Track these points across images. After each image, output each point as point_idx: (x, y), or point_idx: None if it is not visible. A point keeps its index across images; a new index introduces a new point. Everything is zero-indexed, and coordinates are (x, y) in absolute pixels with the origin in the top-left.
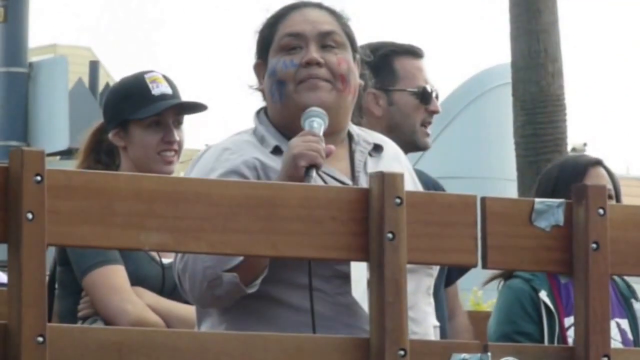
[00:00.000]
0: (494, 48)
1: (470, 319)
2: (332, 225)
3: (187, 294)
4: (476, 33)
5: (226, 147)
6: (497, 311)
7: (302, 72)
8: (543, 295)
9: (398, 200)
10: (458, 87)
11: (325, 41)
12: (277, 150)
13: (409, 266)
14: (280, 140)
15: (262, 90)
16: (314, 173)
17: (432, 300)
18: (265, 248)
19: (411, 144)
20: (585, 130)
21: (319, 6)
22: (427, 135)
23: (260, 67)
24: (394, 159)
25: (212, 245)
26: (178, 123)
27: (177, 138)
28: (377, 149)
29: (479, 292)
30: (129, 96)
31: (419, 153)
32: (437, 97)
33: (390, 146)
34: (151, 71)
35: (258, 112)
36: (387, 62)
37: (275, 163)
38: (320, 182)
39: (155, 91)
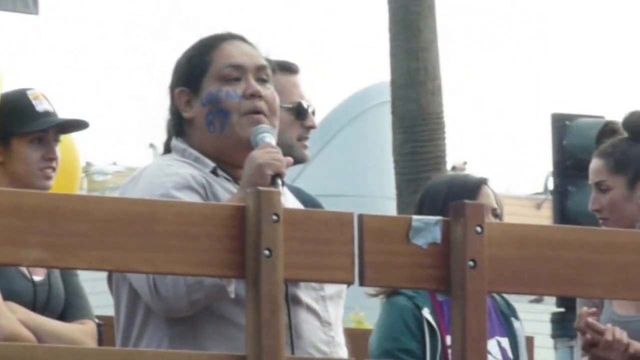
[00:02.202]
0: (375, 66)
1: (350, 336)
2: (207, 241)
3: (162, 300)
4: (357, 51)
5: (168, 164)
6: (380, 328)
7: (247, 104)
8: (426, 312)
9: (275, 217)
10: (338, 105)
11: (260, 74)
12: (214, 171)
13: (329, 293)
14: (215, 164)
15: (190, 118)
16: (279, 181)
17: None
18: (141, 264)
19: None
20: (465, 148)
21: (244, 39)
22: (305, 147)
23: (184, 94)
24: (290, 195)
25: (90, 261)
26: (57, 141)
27: (58, 155)
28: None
29: (361, 312)
30: (13, 111)
31: (298, 170)
32: (314, 112)
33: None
34: (31, 88)
35: (176, 137)
36: None
37: (217, 183)
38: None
39: (39, 108)
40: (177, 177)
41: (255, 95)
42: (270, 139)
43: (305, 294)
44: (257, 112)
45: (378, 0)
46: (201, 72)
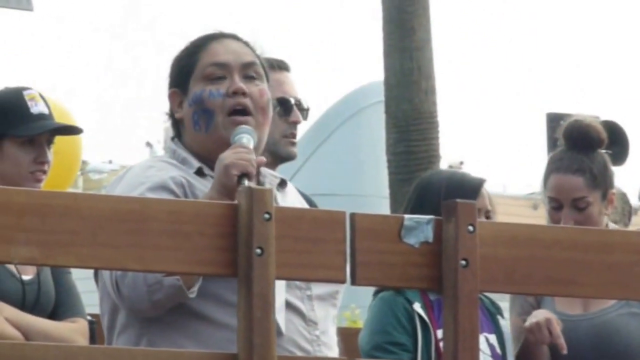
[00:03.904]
0: (369, 66)
1: (342, 335)
2: (199, 240)
3: (124, 300)
4: (351, 51)
5: (150, 166)
6: (370, 323)
7: (229, 102)
8: (417, 307)
9: (267, 216)
10: (333, 105)
11: (247, 72)
12: (200, 172)
13: (318, 293)
14: (202, 163)
15: (180, 119)
16: (246, 182)
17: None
18: (132, 262)
19: (274, 155)
20: (460, 148)
21: (236, 37)
22: (292, 144)
23: (176, 95)
24: (296, 195)
25: (81, 259)
26: (50, 143)
27: (50, 159)
28: (282, 184)
29: (357, 310)
30: (7, 112)
31: (293, 169)
32: (307, 110)
33: (290, 183)
34: (28, 88)
35: (172, 139)
36: None
37: (200, 183)
38: None
39: (34, 110)
40: (156, 178)
41: (238, 93)
42: (247, 139)
43: (289, 293)
44: (240, 110)
45: (372, 0)
46: (188, 73)
